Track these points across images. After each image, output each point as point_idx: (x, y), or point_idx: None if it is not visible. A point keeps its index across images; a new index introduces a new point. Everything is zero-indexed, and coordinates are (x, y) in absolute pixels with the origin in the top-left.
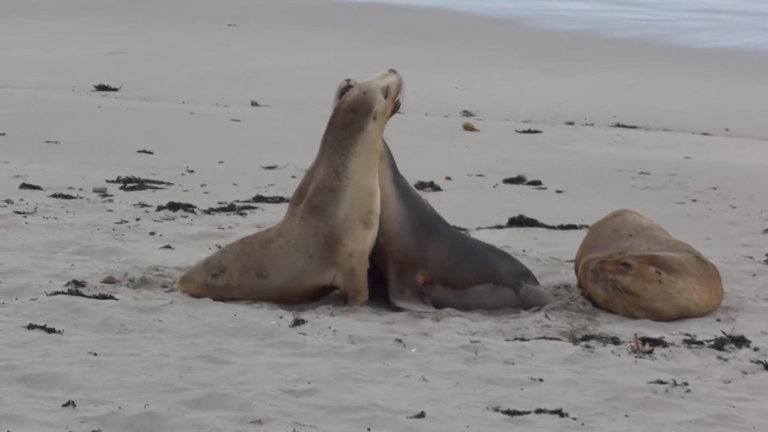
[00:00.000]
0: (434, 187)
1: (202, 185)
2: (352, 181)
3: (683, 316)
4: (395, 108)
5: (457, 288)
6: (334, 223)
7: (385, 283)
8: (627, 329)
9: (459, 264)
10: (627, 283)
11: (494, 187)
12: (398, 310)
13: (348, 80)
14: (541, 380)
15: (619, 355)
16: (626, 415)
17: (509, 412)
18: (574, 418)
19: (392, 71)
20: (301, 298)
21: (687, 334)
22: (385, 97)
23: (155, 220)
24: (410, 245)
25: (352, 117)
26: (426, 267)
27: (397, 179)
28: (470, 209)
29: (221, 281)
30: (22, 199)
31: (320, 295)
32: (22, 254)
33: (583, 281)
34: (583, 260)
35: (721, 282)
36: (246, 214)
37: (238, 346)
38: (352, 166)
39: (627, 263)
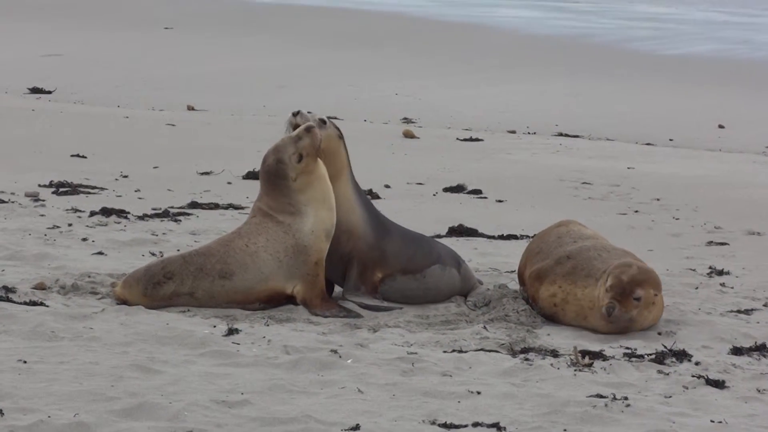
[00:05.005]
0: (373, 195)
1: (136, 191)
2: (310, 206)
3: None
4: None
5: (416, 272)
6: (300, 236)
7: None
8: (567, 342)
9: (413, 252)
10: (636, 314)
11: (434, 195)
12: (370, 307)
13: (296, 114)
14: (478, 393)
15: (558, 368)
16: (565, 430)
17: (446, 425)
18: None
19: (307, 131)
20: (259, 301)
21: (627, 348)
22: (299, 161)
23: (88, 226)
24: (373, 246)
25: (274, 180)
26: (386, 263)
27: (356, 186)
28: (409, 218)
29: (167, 289)
30: None
31: (275, 302)
32: None
33: (530, 289)
34: (530, 270)
35: None
36: (180, 220)
37: (170, 355)
38: (301, 200)
39: (638, 297)
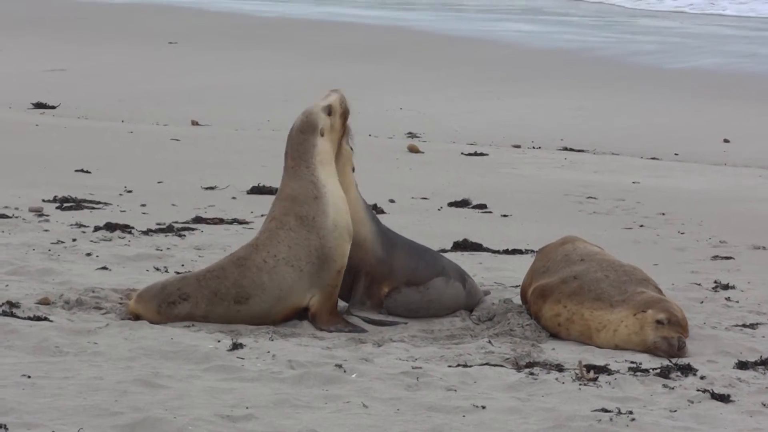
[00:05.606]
0: (378, 210)
1: (140, 206)
2: (328, 188)
3: None
4: (345, 119)
5: (420, 284)
6: (324, 233)
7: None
8: (571, 356)
9: (418, 264)
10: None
11: (439, 210)
12: (374, 322)
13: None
14: (483, 407)
15: (563, 383)
16: None
17: None
18: None
19: (334, 90)
20: (275, 323)
21: (632, 362)
22: (329, 114)
23: (92, 241)
24: (381, 260)
25: (302, 138)
26: (393, 276)
27: (363, 200)
28: (414, 233)
29: (181, 309)
30: None
31: (290, 318)
32: None
33: (533, 306)
34: (534, 286)
35: None
36: (185, 235)
37: (174, 370)
38: (321, 176)
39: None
